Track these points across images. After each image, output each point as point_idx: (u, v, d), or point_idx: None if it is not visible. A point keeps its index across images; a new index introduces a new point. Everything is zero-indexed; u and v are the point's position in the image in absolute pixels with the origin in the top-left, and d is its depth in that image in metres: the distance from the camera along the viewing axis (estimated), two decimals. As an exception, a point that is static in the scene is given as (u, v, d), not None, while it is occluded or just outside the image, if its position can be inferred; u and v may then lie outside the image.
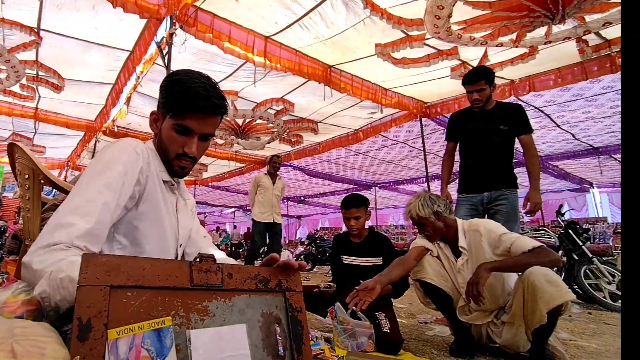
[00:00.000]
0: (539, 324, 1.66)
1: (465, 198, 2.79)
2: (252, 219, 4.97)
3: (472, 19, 3.31)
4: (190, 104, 0.99)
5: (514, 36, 3.50)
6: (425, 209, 2.06)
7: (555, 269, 1.97)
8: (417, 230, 2.21)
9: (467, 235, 2.07)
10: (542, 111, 5.76)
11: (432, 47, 4.09)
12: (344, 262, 2.58)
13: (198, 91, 0.99)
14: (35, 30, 3.97)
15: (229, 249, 14.08)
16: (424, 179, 6.54)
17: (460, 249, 2.06)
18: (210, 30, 3.74)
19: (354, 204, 2.54)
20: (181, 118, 1.00)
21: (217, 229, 16.48)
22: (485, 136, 2.71)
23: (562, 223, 4.56)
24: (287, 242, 17.58)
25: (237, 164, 9.52)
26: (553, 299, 1.61)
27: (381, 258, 2.48)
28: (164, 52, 3.87)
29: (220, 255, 1.19)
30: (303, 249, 10.49)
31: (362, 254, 2.52)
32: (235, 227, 18.23)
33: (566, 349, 2.12)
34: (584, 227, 4.82)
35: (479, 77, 2.71)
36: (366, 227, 2.66)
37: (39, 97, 5.84)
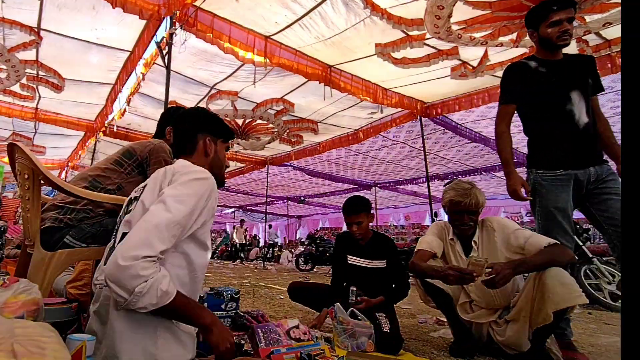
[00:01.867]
0: (543, 323, 1.65)
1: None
2: None
3: (472, 19, 3.31)
4: (231, 132, 1.45)
5: (514, 36, 3.50)
6: (482, 200, 2.00)
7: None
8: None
9: (481, 231, 2.04)
10: (542, 111, 5.74)
11: (432, 47, 4.09)
12: (349, 261, 2.54)
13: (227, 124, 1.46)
14: (36, 30, 3.97)
15: (230, 249, 14.02)
16: (424, 179, 6.53)
17: (472, 243, 2.03)
18: (210, 31, 3.75)
19: (354, 210, 2.46)
20: (228, 142, 1.44)
21: (242, 221, 14.68)
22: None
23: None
24: (287, 242, 17.60)
25: (238, 164, 9.53)
26: (563, 300, 1.59)
27: (385, 261, 2.47)
28: (164, 52, 3.87)
29: None
30: (303, 249, 10.49)
31: (367, 256, 2.50)
32: (234, 227, 18.23)
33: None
34: (584, 227, 4.83)
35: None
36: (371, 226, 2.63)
37: (39, 97, 5.85)
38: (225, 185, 12.98)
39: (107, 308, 1.01)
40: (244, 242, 13.67)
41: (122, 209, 1.25)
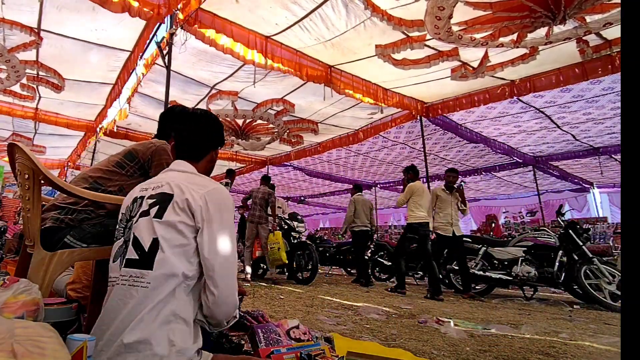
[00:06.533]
0: None
1: None
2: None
3: (473, 19, 3.31)
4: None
5: (514, 37, 3.50)
6: None
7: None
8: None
9: None
10: (542, 112, 5.75)
11: (433, 48, 4.09)
12: None
13: None
14: (36, 30, 3.97)
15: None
16: (424, 179, 6.52)
17: None
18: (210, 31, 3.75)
19: None
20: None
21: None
22: None
23: (562, 223, 4.56)
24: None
25: (238, 164, 9.53)
26: None
27: None
28: (165, 52, 3.88)
29: None
30: (303, 249, 10.45)
31: None
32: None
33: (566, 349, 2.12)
34: (584, 227, 4.82)
35: None
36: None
37: (39, 97, 5.85)
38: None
39: (125, 301, 1.02)
40: None
41: (127, 208, 1.25)
